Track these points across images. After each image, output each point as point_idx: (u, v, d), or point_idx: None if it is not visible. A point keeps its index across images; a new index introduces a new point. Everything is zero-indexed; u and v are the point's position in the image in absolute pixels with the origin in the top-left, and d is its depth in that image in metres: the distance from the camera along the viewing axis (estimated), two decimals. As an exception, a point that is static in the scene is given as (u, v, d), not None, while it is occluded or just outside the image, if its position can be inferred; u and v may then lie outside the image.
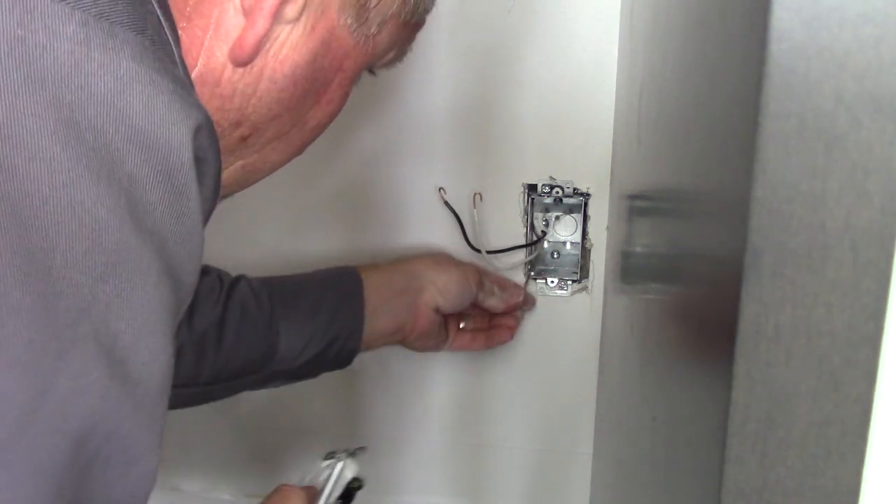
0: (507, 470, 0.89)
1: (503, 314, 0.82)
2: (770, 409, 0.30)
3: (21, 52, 0.31)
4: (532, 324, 0.84)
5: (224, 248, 0.88)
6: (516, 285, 0.82)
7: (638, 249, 0.62)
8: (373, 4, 0.47)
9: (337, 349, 0.74)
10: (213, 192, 0.40)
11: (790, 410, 0.30)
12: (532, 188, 0.80)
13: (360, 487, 0.65)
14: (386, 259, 0.84)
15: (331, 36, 0.46)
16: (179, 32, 0.41)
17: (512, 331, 0.83)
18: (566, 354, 0.84)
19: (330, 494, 0.62)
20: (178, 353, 0.66)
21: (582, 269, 0.82)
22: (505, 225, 0.81)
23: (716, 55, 0.35)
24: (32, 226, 0.31)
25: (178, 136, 0.34)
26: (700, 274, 0.38)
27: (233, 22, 0.43)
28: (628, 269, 0.67)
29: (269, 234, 0.87)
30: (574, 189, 0.79)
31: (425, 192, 0.82)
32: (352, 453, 0.64)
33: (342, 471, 0.63)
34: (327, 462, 0.63)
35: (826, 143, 0.27)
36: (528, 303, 0.83)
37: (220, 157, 0.39)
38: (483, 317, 0.84)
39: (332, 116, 0.52)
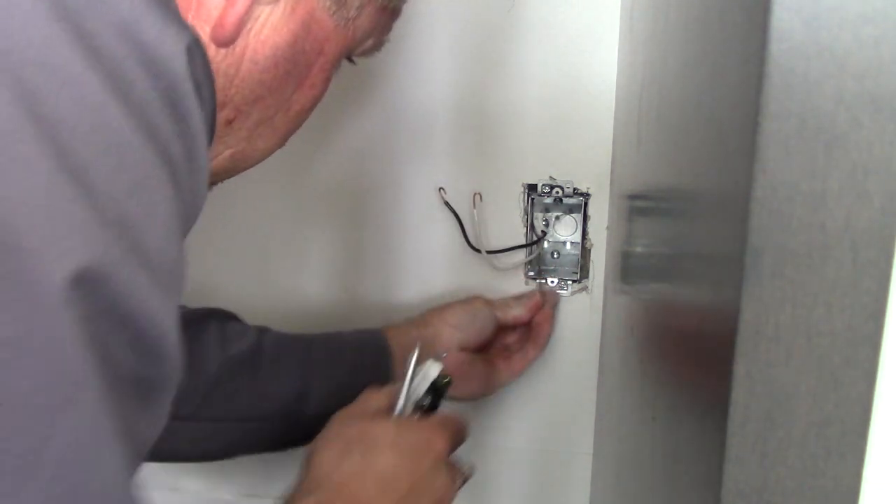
0: (507, 470, 0.89)
1: (532, 321, 0.82)
2: (770, 409, 0.30)
3: None
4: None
5: (223, 249, 0.88)
6: (530, 292, 0.82)
7: (638, 249, 0.62)
8: None
9: None
10: (211, 116, 0.42)
11: (790, 410, 0.30)
12: (532, 188, 0.80)
13: (448, 384, 0.62)
14: (386, 261, 0.84)
15: (311, 18, 0.47)
16: None
17: (549, 321, 0.82)
18: (566, 354, 0.84)
19: (414, 390, 0.61)
20: (214, 381, 0.65)
21: (582, 269, 0.82)
22: (505, 225, 0.81)
23: (716, 55, 0.35)
24: (68, 147, 0.32)
25: (178, 62, 0.37)
26: (700, 274, 0.38)
27: (214, 2, 0.44)
28: (628, 269, 0.67)
29: (268, 234, 0.87)
30: (574, 189, 0.79)
31: (425, 192, 0.82)
32: (437, 358, 0.63)
33: (427, 369, 0.61)
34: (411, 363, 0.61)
35: (826, 143, 0.27)
36: (550, 298, 0.82)
37: (213, 78, 0.41)
38: (519, 336, 0.83)
39: (315, 101, 0.53)
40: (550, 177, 0.80)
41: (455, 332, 0.77)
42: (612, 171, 0.78)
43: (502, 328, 0.81)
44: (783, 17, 0.27)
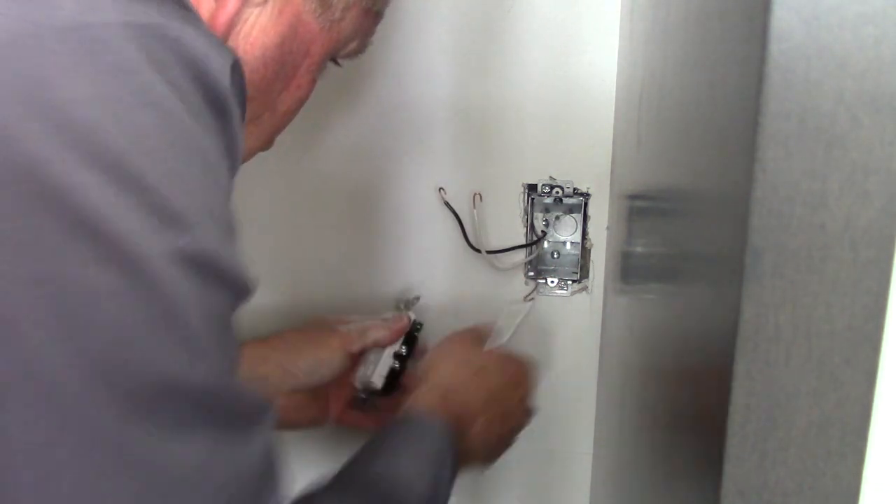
0: (507, 470, 0.89)
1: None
2: (770, 409, 0.30)
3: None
4: (532, 324, 0.84)
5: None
6: (398, 315, 0.79)
7: (638, 249, 0.62)
8: None
9: None
10: (241, 125, 0.43)
11: (790, 410, 0.30)
12: (532, 188, 0.80)
13: (420, 328, 0.78)
14: (386, 261, 0.84)
15: (297, 20, 0.49)
16: None
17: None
18: (566, 354, 0.84)
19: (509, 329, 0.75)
20: None
21: (582, 269, 0.82)
22: (505, 225, 0.81)
23: (716, 55, 0.35)
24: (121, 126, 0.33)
25: (221, 67, 0.39)
26: (700, 274, 0.38)
27: (205, 4, 0.45)
28: (628, 269, 0.67)
29: (268, 234, 0.87)
30: (574, 189, 0.79)
31: (425, 193, 0.82)
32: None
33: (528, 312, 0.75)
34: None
35: (826, 143, 0.27)
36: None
37: (245, 97, 0.43)
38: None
39: (302, 102, 0.54)
40: (550, 177, 0.80)
41: (291, 378, 0.73)
42: (612, 171, 0.78)
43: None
44: (783, 17, 0.27)
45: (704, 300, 0.36)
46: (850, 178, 0.28)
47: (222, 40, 0.46)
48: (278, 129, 0.55)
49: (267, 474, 0.38)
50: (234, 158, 0.41)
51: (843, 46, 0.27)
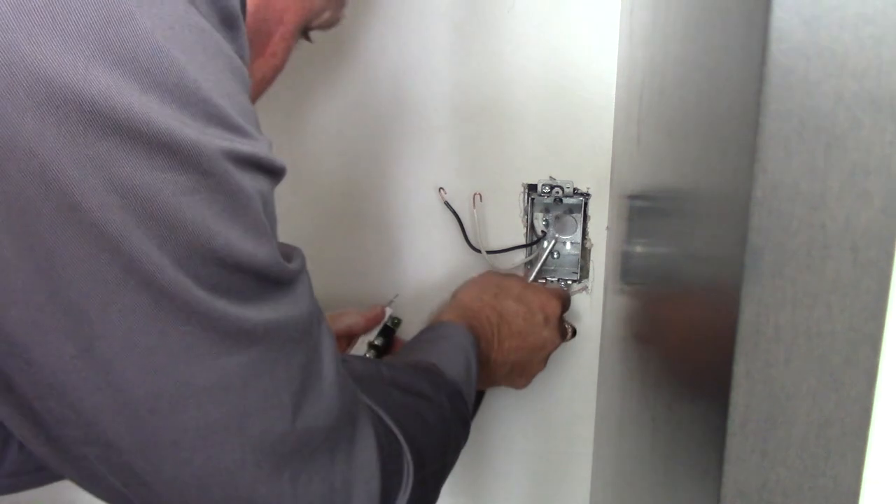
0: (507, 470, 0.89)
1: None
2: (770, 409, 0.30)
3: None
4: (532, 324, 0.84)
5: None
6: (375, 305, 0.82)
7: (638, 249, 0.62)
8: None
9: None
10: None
11: (790, 410, 0.30)
12: (532, 188, 0.80)
13: (398, 323, 0.83)
14: (386, 261, 0.84)
15: None
16: None
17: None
18: (566, 354, 0.84)
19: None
20: None
21: (582, 269, 0.82)
22: (505, 225, 0.81)
23: (716, 55, 0.35)
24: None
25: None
26: (700, 274, 0.38)
27: None
28: (628, 269, 0.67)
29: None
30: (574, 189, 0.79)
31: (425, 193, 0.82)
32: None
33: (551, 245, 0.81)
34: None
35: (826, 143, 0.27)
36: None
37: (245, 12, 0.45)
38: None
39: (276, 71, 0.55)
40: (550, 177, 0.80)
41: None
42: (612, 171, 0.78)
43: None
44: (783, 17, 0.27)
45: (704, 300, 0.36)
46: (850, 178, 0.28)
47: None
48: (255, 97, 0.56)
49: (314, 311, 0.48)
50: (246, 66, 0.44)
51: (843, 46, 0.27)
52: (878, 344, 0.29)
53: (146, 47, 0.34)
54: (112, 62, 0.33)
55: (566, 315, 0.81)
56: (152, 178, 0.35)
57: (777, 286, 0.29)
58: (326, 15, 0.57)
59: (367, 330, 0.81)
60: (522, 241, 0.81)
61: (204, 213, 0.37)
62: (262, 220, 0.41)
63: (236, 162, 0.38)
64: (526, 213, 0.81)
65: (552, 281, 0.82)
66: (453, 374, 0.65)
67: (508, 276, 0.80)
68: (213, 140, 0.37)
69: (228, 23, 0.41)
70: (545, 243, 0.81)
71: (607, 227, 0.80)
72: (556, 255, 0.82)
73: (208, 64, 0.38)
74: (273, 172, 0.43)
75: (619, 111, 0.75)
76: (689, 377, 0.40)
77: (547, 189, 0.79)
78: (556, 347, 0.78)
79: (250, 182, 0.39)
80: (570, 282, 0.82)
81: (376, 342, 0.80)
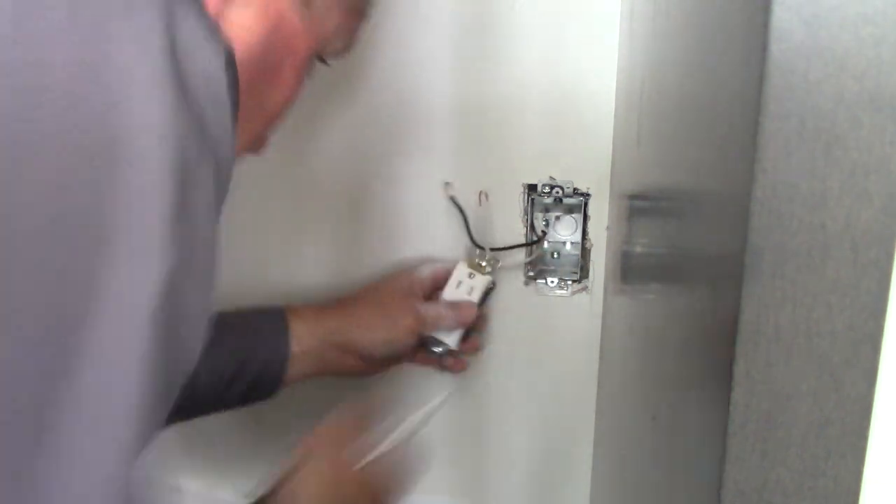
0: (507, 470, 0.89)
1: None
2: (770, 409, 0.30)
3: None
4: (532, 324, 0.84)
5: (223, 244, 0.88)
6: (469, 304, 0.79)
7: (638, 249, 0.62)
8: None
9: (252, 381, 0.74)
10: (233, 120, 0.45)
11: (790, 410, 0.30)
12: (532, 188, 0.80)
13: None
14: (387, 259, 0.84)
15: (280, 18, 0.50)
16: None
17: (464, 362, 0.82)
18: (566, 354, 0.84)
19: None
20: None
21: (582, 269, 0.82)
22: (505, 225, 0.81)
23: (716, 55, 0.35)
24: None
25: (219, 68, 0.41)
26: (700, 274, 0.38)
27: None
28: (628, 269, 0.67)
29: (270, 229, 0.87)
30: (574, 189, 0.79)
31: (426, 192, 0.82)
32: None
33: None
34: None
35: (826, 143, 0.27)
36: (479, 323, 0.81)
37: (238, 85, 0.45)
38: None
39: (289, 101, 0.55)
40: (550, 177, 0.79)
41: (364, 351, 0.76)
42: (612, 171, 0.78)
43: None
44: (783, 17, 0.27)
45: (704, 300, 0.36)
46: (850, 178, 0.28)
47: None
48: (267, 128, 0.56)
49: None
50: (221, 158, 0.43)
51: (843, 46, 0.27)
52: (878, 344, 0.29)
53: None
54: None
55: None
56: None
57: (777, 286, 0.29)
58: (339, 44, 0.57)
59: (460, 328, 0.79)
60: (522, 241, 0.81)
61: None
62: None
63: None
64: (526, 213, 0.81)
65: (552, 281, 0.82)
66: None
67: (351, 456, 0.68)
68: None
69: (217, 111, 0.42)
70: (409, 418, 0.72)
71: (607, 227, 0.80)
72: (556, 255, 0.82)
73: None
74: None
75: (619, 111, 0.75)
76: (689, 377, 0.40)
77: (547, 189, 0.79)
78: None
79: None
80: (570, 282, 0.82)
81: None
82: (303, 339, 0.75)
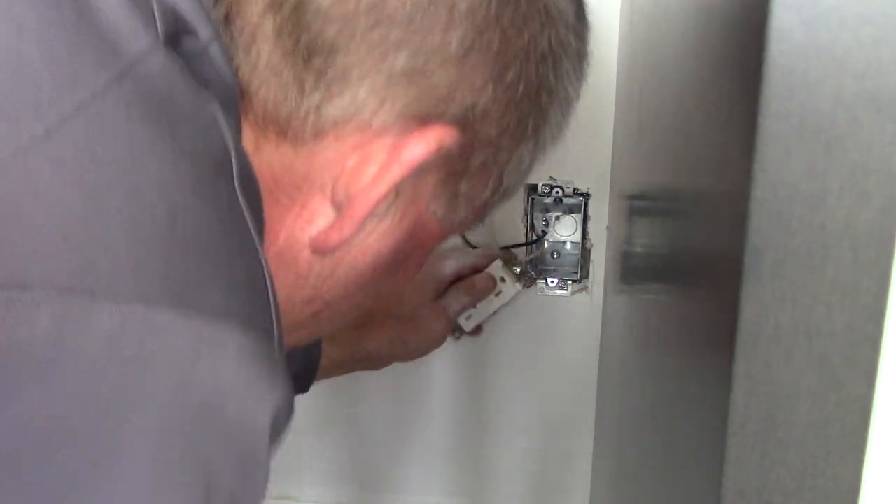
0: (507, 470, 0.89)
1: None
2: (770, 409, 0.30)
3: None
4: (532, 324, 0.84)
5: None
6: (487, 277, 0.81)
7: (638, 249, 0.62)
8: (464, 192, 0.45)
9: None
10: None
11: (790, 410, 0.30)
12: (532, 188, 0.80)
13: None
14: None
15: (417, 223, 0.45)
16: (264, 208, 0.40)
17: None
18: (566, 354, 0.84)
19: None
20: None
21: (582, 269, 0.82)
22: (505, 225, 0.81)
23: (716, 55, 0.35)
24: None
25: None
26: (700, 274, 0.38)
27: (320, 210, 0.42)
28: (628, 269, 0.67)
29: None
30: (574, 189, 0.79)
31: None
32: None
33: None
34: None
35: (826, 143, 0.27)
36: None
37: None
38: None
39: (404, 285, 0.52)
40: (550, 177, 0.79)
41: (399, 358, 0.78)
42: (612, 171, 0.78)
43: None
44: (783, 17, 0.27)
45: (704, 300, 0.37)
46: (850, 178, 0.28)
47: (330, 253, 0.43)
48: (374, 304, 0.53)
49: None
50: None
51: (843, 46, 0.27)
52: (878, 344, 0.29)
53: None
54: None
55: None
56: None
57: (777, 286, 0.29)
58: (473, 224, 0.51)
59: (476, 269, 0.80)
60: (522, 241, 0.81)
61: None
62: None
63: None
64: (526, 213, 0.81)
65: (552, 281, 0.82)
66: None
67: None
68: None
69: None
70: (508, 290, 0.80)
71: (607, 227, 0.80)
72: (556, 255, 0.82)
73: None
74: None
75: (619, 111, 0.75)
76: (689, 377, 0.40)
77: (547, 189, 0.79)
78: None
79: None
80: (570, 282, 0.82)
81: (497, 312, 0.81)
82: (333, 356, 0.75)
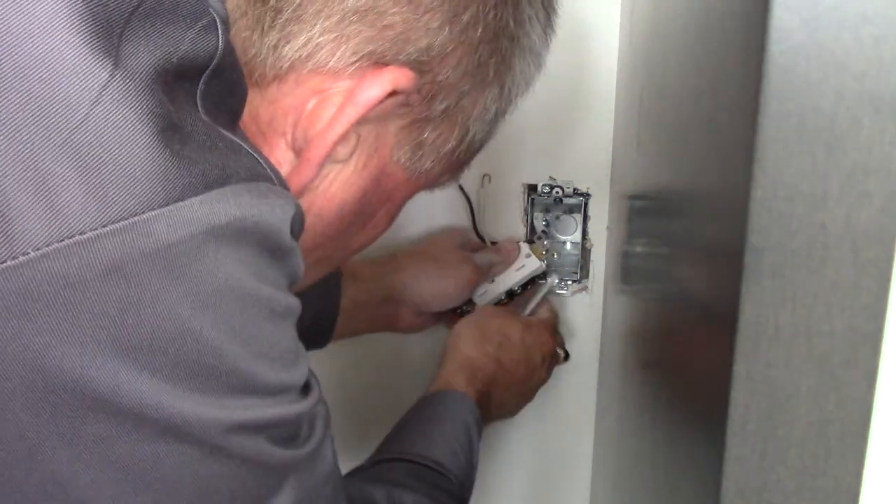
0: (508, 470, 0.89)
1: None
2: (770, 409, 0.30)
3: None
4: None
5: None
6: (510, 243, 0.81)
7: (638, 249, 0.62)
8: (429, 141, 0.46)
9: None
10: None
11: (790, 410, 0.30)
12: (532, 188, 0.80)
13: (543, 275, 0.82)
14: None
15: (382, 172, 0.46)
16: None
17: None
18: (566, 354, 0.84)
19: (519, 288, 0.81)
20: None
21: (582, 269, 0.82)
22: (505, 225, 0.81)
23: (716, 55, 0.35)
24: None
25: (286, 225, 0.36)
26: (700, 274, 0.38)
27: (283, 157, 0.43)
28: (628, 269, 0.67)
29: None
30: (574, 189, 0.79)
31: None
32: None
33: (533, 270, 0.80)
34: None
35: (826, 143, 0.27)
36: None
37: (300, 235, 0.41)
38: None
39: (374, 239, 0.52)
40: (550, 177, 0.79)
41: (422, 304, 0.77)
42: (612, 171, 0.78)
43: None
44: (783, 17, 0.27)
45: (704, 300, 0.37)
46: (850, 178, 0.28)
47: (296, 196, 0.42)
48: (348, 259, 0.54)
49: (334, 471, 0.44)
50: (297, 280, 0.39)
51: (843, 46, 0.27)
52: (878, 344, 0.29)
53: (167, 329, 0.32)
54: (123, 350, 0.31)
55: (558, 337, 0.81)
56: (155, 450, 0.33)
57: (777, 286, 0.29)
58: (443, 179, 0.52)
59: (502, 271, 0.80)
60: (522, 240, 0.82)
61: (207, 475, 0.35)
62: (276, 472, 0.38)
63: (252, 430, 0.35)
64: (526, 213, 0.81)
65: (552, 281, 0.82)
66: (458, 468, 0.62)
67: (506, 317, 0.76)
68: (230, 413, 0.34)
69: (278, 255, 0.36)
70: (548, 279, 0.81)
71: (607, 227, 0.80)
72: (556, 255, 0.82)
73: (244, 327, 0.35)
74: (293, 423, 0.39)
75: (619, 111, 0.75)
76: (689, 377, 0.40)
77: (547, 189, 0.79)
78: (548, 377, 0.78)
79: (263, 444, 0.36)
80: (570, 282, 0.82)
81: (516, 290, 0.80)
82: (355, 296, 0.74)
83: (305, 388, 0.39)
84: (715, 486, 0.31)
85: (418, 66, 0.42)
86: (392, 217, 0.51)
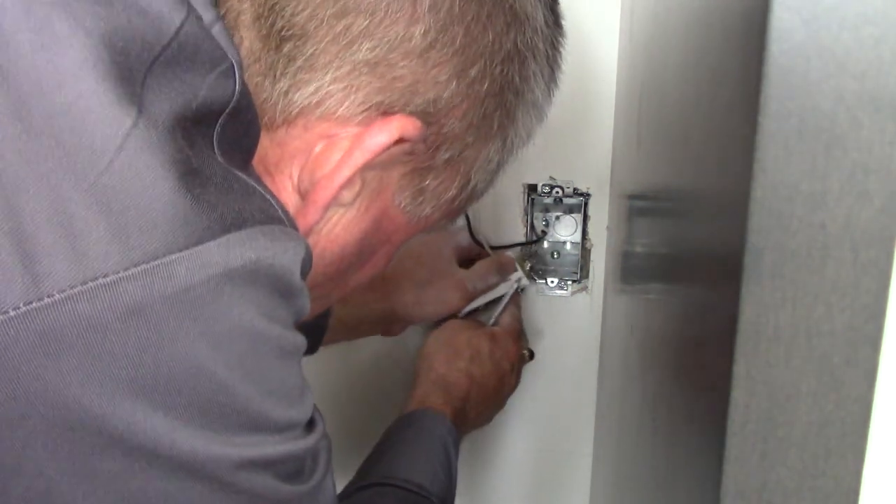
0: (508, 470, 0.89)
1: None
2: (770, 409, 0.30)
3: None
4: (532, 324, 0.84)
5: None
6: (506, 256, 0.81)
7: (638, 249, 0.62)
8: (431, 188, 0.47)
9: None
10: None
11: (790, 410, 0.30)
12: (532, 188, 0.80)
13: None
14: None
15: (383, 216, 0.47)
16: None
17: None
18: (566, 354, 0.84)
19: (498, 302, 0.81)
20: None
21: (582, 269, 0.82)
22: (505, 225, 0.81)
23: (716, 55, 0.35)
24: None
25: (297, 266, 0.37)
26: (700, 274, 0.38)
27: (289, 198, 0.44)
28: (628, 269, 0.67)
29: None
30: (574, 189, 0.79)
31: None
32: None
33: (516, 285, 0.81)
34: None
35: (826, 143, 0.27)
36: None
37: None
38: None
39: (372, 277, 0.52)
40: (550, 177, 0.80)
41: (412, 320, 0.79)
42: (612, 171, 0.78)
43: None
44: (783, 17, 0.27)
45: (704, 300, 0.37)
46: (850, 178, 0.28)
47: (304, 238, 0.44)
48: (345, 297, 0.54)
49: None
50: (304, 315, 0.41)
51: (843, 46, 0.27)
52: (878, 344, 0.29)
53: (183, 369, 0.33)
54: (140, 390, 0.32)
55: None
56: (167, 486, 0.34)
57: (777, 286, 0.29)
58: (442, 223, 0.53)
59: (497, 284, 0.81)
60: (522, 241, 0.81)
61: None
62: None
63: (261, 467, 0.36)
64: (526, 213, 0.81)
65: (552, 281, 0.82)
66: (439, 489, 0.63)
67: (474, 330, 0.77)
68: (239, 451, 0.35)
69: (288, 295, 0.37)
70: (505, 286, 0.80)
71: (607, 227, 0.80)
72: (556, 255, 0.82)
73: (256, 366, 0.36)
74: (298, 459, 0.40)
75: (619, 111, 0.75)
76: (689, 377, 0.40)
77: (547, 189, 0.79)
78: (517, 382, 0.79)
79: (269, 480, 0.37)
80: (570, 282, 0.82)
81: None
82: (345, 318, 0.75)
83: (310, 424, 0.40)
84: (715, 486, 0.31)
85: (425, 116, 0.43)
86: (390, 258, 0.52)
